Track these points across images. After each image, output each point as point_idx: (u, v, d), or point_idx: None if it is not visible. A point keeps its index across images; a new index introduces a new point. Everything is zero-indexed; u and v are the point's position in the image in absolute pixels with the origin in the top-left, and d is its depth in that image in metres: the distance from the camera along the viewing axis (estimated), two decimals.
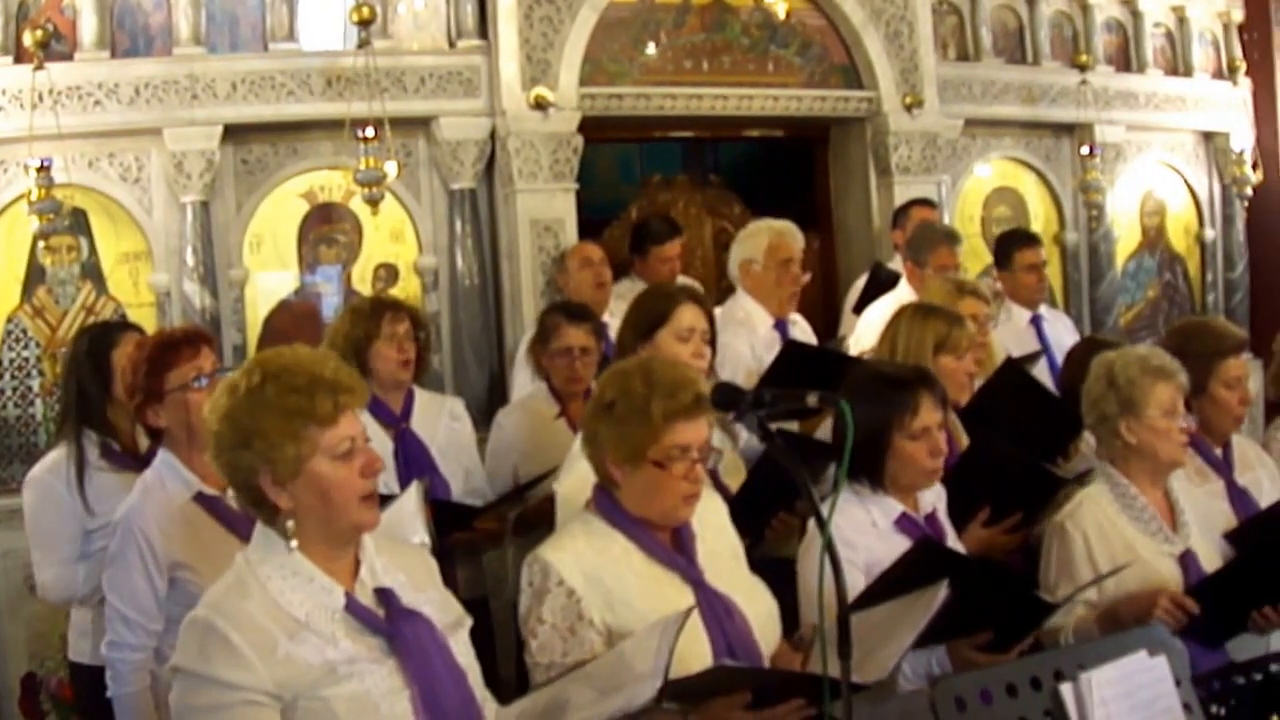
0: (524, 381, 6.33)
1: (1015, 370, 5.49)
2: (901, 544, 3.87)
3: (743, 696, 3.13)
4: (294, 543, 2.86)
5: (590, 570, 3.34)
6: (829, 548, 2.79)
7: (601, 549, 3.40)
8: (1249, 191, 10.86)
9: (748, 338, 5.99)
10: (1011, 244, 7.46)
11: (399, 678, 2.85)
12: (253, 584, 2.85)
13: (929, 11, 9.01)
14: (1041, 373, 6.28)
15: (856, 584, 3.70)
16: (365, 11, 7.02)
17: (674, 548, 3.48)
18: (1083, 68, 9.77)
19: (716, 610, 3.42)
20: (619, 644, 3.21)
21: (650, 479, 3.39)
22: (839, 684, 2.81)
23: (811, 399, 3.04)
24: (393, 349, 5.29)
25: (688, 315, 4.66)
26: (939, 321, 4.97)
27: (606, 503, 3.48)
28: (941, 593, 3.38)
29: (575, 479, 3.93)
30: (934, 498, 4.20)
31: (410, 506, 4.50)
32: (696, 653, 3.27)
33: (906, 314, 5.10)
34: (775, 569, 3.89)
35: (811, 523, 3.84)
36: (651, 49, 8.11)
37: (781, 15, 8.07)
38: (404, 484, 4.92)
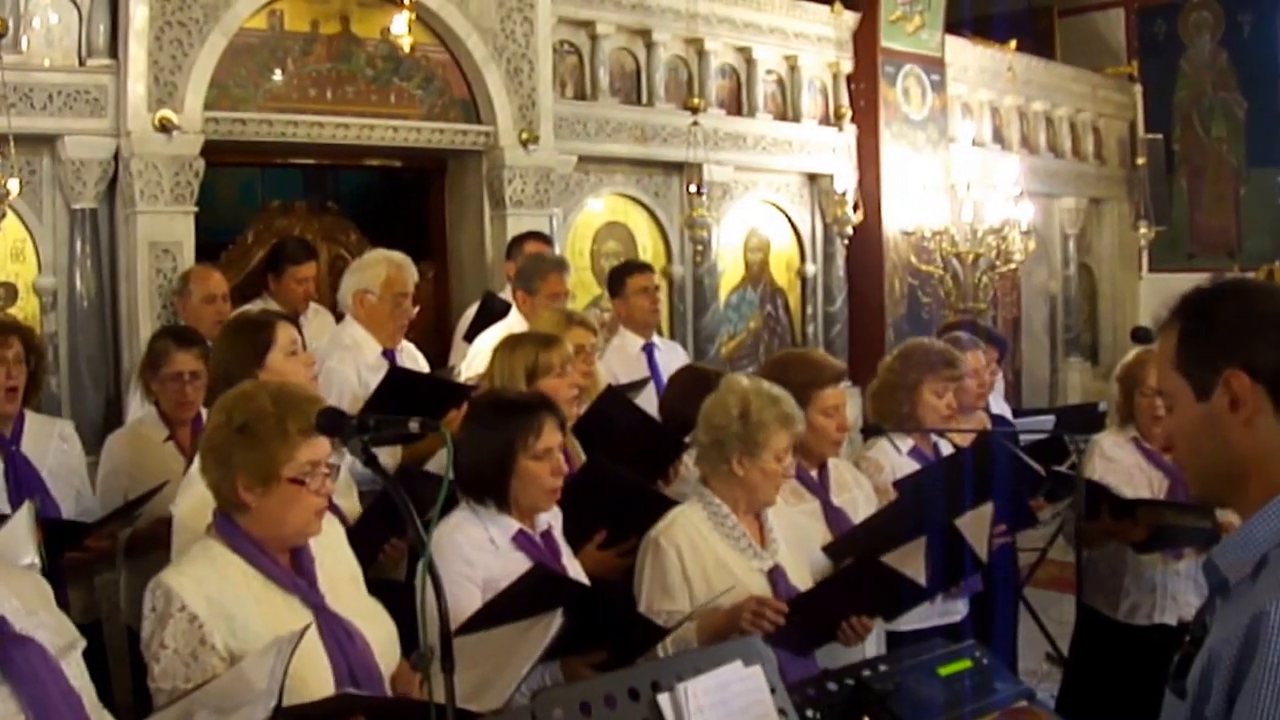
0: (137, 405, 6.22)
1: (616, 397, 5.75)
2: (519, 560, 4.01)
3: None
4: None
5: (212, 595, 3.30)
6: (430, 569, 2.87)
7: (223, 573, 3.36)
8: (850, 230, 11.60)
9: (354, 363, 6.08)
10: (625, 271, 7.86)
11: (13, 704, 2.79)
12: None
13: (549, 51, 9.27)
14: (651, 399, 6.54)
15: (474, 600, 3.86)
16: None
17: (294, 571, 3.47)
18: (694, 110, 10.19)
19: (337, 634, 3.42)
20: (238, 663, 3.16)
21: (286, 497, 3.38)
22: (456, 711, 2.89)
23: (414, 424, 3.07)
24: (0, 375, 5.16)
25: (288, 331, 4.80)
26: (526, 350, 5.16)
27: (227, 527, 3.44)
28: (556, 622, 3.46)
29: (191, 502, 3.92)
30: (550, 517, 4.32)
31: (20, 529, 4.44)
32: (318, 677, 3.29)
33: (500, 349, 5.28)
34: (390, 590, 4.00)
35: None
36: (278, 76, 8.14)
37: (406, 48, 8.19)
38: (14, 505, 4.83)
